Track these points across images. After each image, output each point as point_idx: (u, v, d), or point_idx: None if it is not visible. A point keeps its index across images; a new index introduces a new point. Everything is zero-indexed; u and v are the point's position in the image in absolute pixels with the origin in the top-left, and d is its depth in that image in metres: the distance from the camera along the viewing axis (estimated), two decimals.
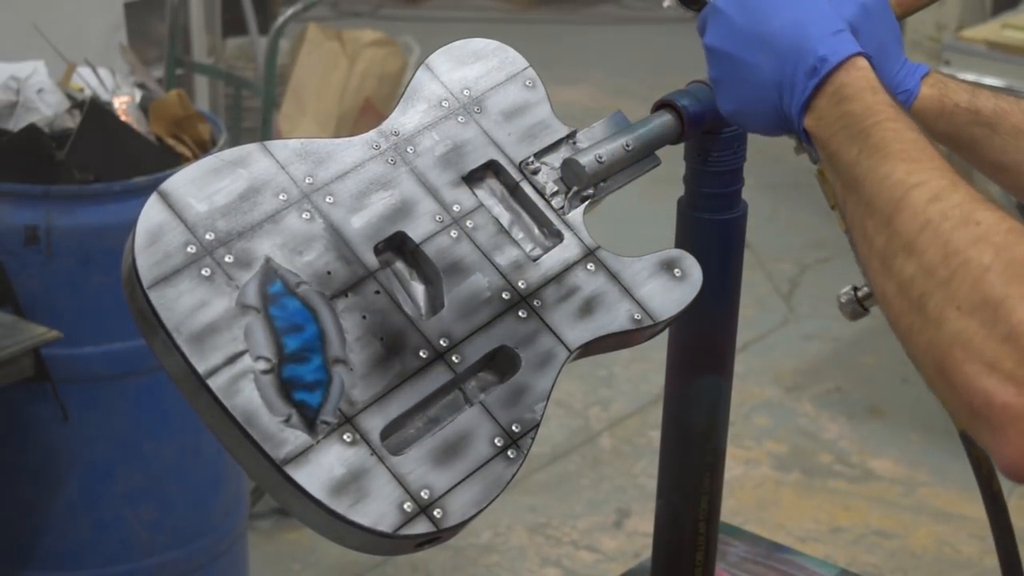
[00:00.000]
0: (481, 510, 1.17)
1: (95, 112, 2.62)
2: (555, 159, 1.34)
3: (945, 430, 3.73)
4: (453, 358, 1.21)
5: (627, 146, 1.34)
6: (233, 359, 1.15)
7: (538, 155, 1.34)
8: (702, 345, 1.48)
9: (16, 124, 2.67)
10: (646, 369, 4.05)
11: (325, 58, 4.58)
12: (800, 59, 1.18)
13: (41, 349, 2.42)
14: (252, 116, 4.08)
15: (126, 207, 2.50)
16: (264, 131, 3.62)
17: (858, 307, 1.31)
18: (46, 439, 2.62)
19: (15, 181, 2.53)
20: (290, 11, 3.70)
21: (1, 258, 2.51)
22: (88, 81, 2.89)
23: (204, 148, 2.79)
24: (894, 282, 1.05)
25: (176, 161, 2.71)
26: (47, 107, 2.70)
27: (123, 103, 2.81)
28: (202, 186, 1.21)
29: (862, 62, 1.18)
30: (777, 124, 1.23)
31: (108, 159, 2.60)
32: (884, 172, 1.09)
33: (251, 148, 1.25)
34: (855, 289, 1.30)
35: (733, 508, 3.51)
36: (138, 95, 2.89)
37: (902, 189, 1.06)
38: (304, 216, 1.23)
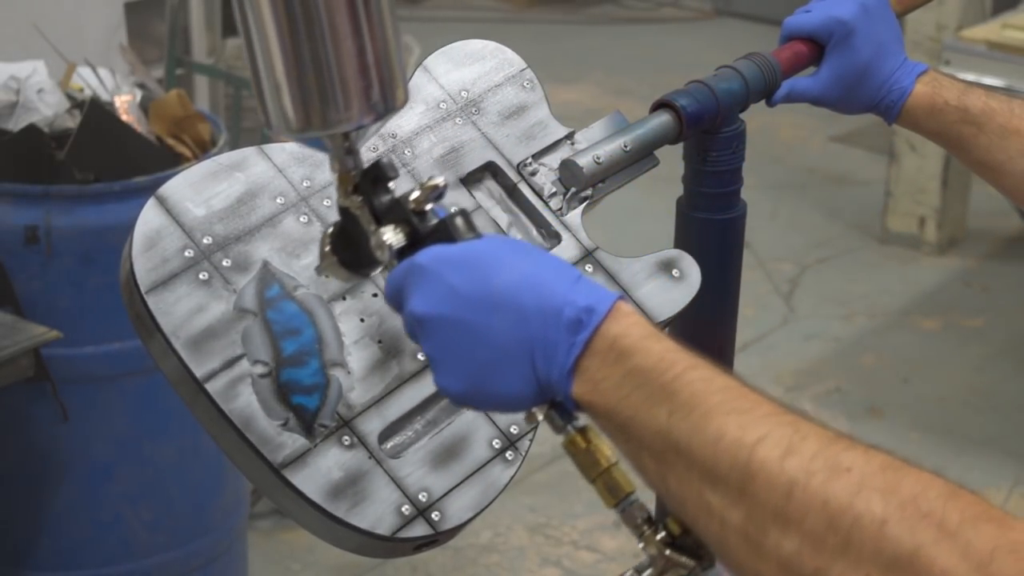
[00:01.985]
0: (479, 512, 1.18)
1: (95, 112, 2.62)
2: (553, 160, 1.34)
3: (945, 430, 3.73)
4: None
5: (625, 147, 1.34)
6: (231, 363, 1.15)
7: (536, 156, 1.34)
8: (702, 345, 1.47)
9: (16, 124, 2.66)
10: None
11: None
12: (550, 314, 0.97)
13: (41, 349, 2.41)
14: (252, 116, 4.08)
15: (126, 207, 2.50)
16: (264, 131, 3.62)
17: None
18: (46, 439, 2.61)
19: (15, 181, 2.53)
20: None
21: (1, 258, 2.50)
22: (88, 81, 2.89)
23: (204, 148, 2.79)
24: (772, 562, 0.87)
25: (176, 161, 2.71)
26: (47, 107, 2.70)
27: (123, 103, 2.81)
28: (200, 190, 1.21)
29: (627, 307, 0.98)
30: (529, 397, 0.99)
31: (108, 159, 2.60)
32: (713, 433, 0.90)
33: (248, 152, 1.25)
34: (637, 572, 1.04)
35: None
36: (138, 95, 2.89)
37: (744, 450, 0.89)
38: (302, 219, 1.23)
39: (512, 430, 1.20)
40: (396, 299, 1.04)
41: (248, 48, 1.00)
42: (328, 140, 1.03)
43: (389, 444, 1.18)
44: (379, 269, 1.07)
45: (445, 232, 1.03)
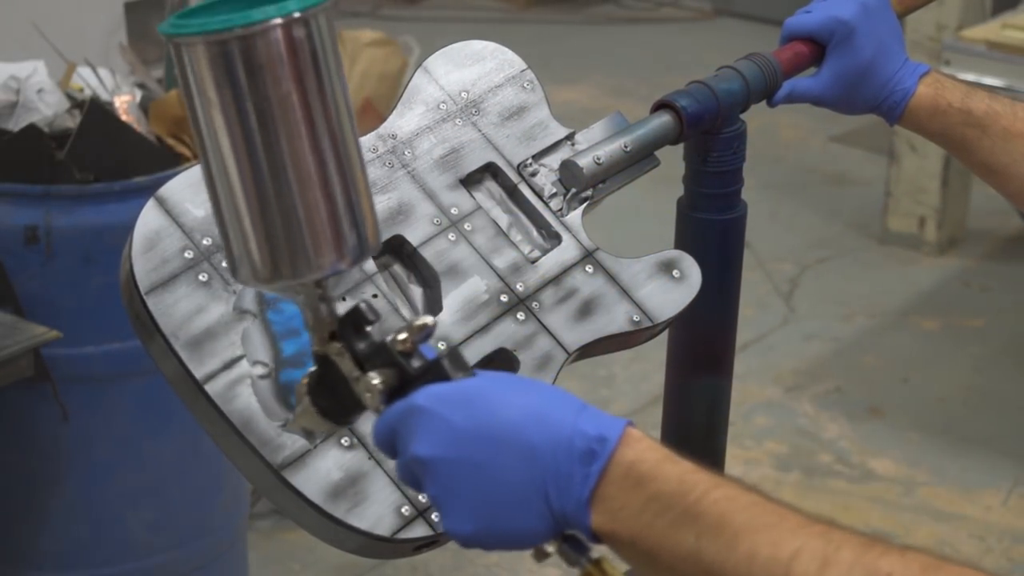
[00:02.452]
0: None
1: (95, 112, 2.62)
2: (553, 161, 1.34)
3: (945, 430, 3.73)
4: None
5: (626, 147, 1.34)
6: (230, 364, 1.15)
7: (536, 157, 1.34)
8: (702, 345, 1.48)
9: (16, 124, 2.66)
10: (646, 369, 4.05)
11: None
12: (560, 446, 0.95)
13: (41, 349, 2.41)
14: None
15: (126, 207, 2.50)
16: None
17: None
18: (46, 439, 2.61)
19: (15, 181, 2.53)
20: None
21: (1, 258, 2.50)
22: (88, 81, 2.89)
23: None
24: None
25: (176, 161, 2.71)
26: (47, 107, 2.70)
27: (123, 103, 2.81)
28: (199, 191, 1.21)
29: (637, 432, 0.96)
30: (543, 532, 0.97)
31: (108, 159, 2.60)
32: (745, 553, 0.89)
33: None
34: None
35: None
36: (138, 95, 2.89)
37: (780, 567, 0.88)
38: None
39: None
40: (390, 444, 1.00)
41: (212, 196, 0.96)
42: (299, 289, 0.98)
43: None
44: (365, 409, 1.02)
45: (439, 371, 0.99)
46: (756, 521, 0.90)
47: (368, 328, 1.00)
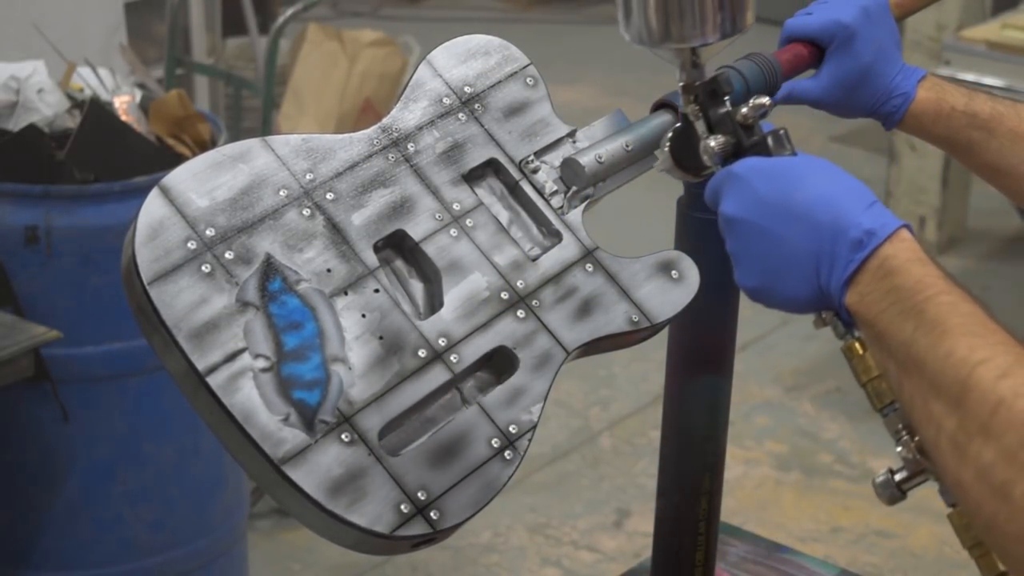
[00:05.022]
0: (477, 511, 1.17)
1: (95, 112, 2.62)
2: (555, 158, 1.34)
3: None
4: (451, 358, 1.21)
5: (627, 146, 1.34)
6: (232, 357, 1.15)
7: (538, 154, 1.34)
8: (702, 345, 1.47)
9: (16, 124, 2.67)
10: (646, 369, 4.05)
11: (325, 58, 4.58)
12: (840, 232, 1.11)
13: (41, 349, 2.41)
14: (252, 116, 4.08)
15: (126, 207, 2.50)
16: (264, 131, 3.62)
17: (896, 491, 1.19)
18: (46, 439, 2.62)
19: (15, 181, 2.53)
20: (290, 11, 3.70)
21: (1, 258, 2.51)
22: (88, 81, 2.89)
23: (204, 148, 2.79)
24: (971, 469, 0.97)
25: (176, 161, 2.71)
26: (47, 107, 2.70)
27: (123, 103, 2.81)
28: (203, 181, 1.21)
29: (906, 234, 1.11)
30: (810, 300, 1.14)
31: (108, 159, 2.60)
32: (945, 350, 1.01)
33: (252, 143, 1.25)
34: (892, 472, 1.18)
35: (733, 508, 3.50)
36: (138, 95, 2.89)
37: (967, 367, 0.99)
38: (305, 213, 1.23)
39: (511, 429, 1.20)
40: (713, 199, 1.19)
41: None
42: (679, 53, 1.22)
43: (389, 441, 1.18)
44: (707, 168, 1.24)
45: (764, 147, 1.19)
46: (964, 327, 1.02)
47: (725, 98, 1.22)
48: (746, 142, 1.20)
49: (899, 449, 1.15)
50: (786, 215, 1.12)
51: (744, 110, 1.21)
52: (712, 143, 1.21)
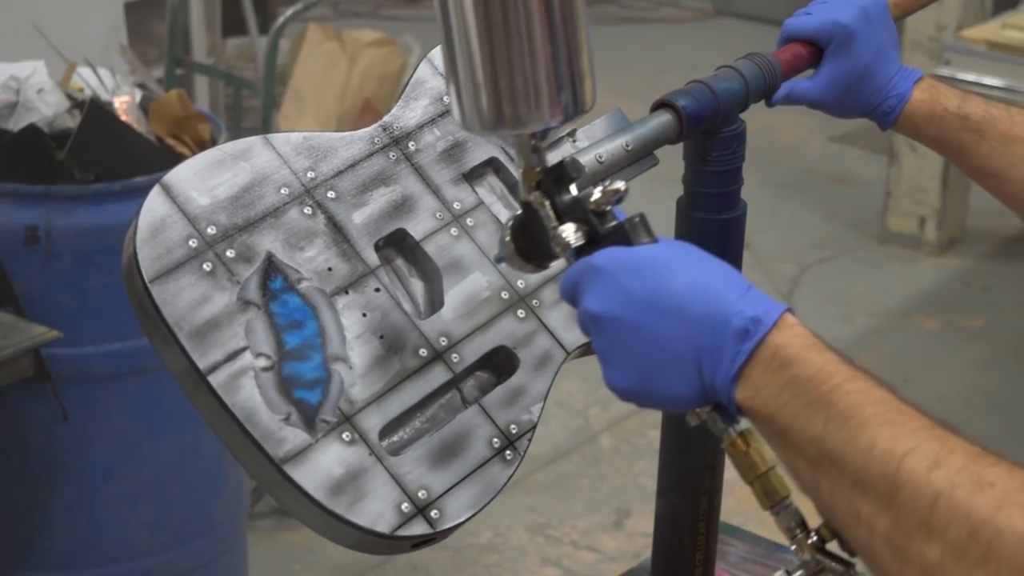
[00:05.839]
0: (477, 511, 1.17)
1: (95, 112, 2.62)
2: (555, 157, 1.34)
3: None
4: (452, 357, 1.21)
5: (627, 146, 1.34)
6: (234, 356, 1.14)
7: None
8: None
9: (16, 124, 2.66)
10: None
11: (325, 58, 4.58)
12: (720, 322, 1.01)
13: (41, 349, 2.41)
14: (252, 116, 4.08)
15: (126, 207, 2.50)
16: (264, 131, 3.62)
17: None
18: (46, 439, 2.62)
19: (15, 181, 2.53)
20: (290, 11, 3.70)
21: (1, 258, 2.51)
22: (88, 81, 2.89)
23: (204, 148, 2.78)
24: (915, 570, 0.91)
25: (176, 161, 2.70)
26: (47, 107, 2.70)
27: (123, 103, 2.81)
28: (205, 179, 1.21)
29: (792, 319, 1.02)
30: (693, 398, 1.04)
31: (108, 159, 2.60)
32: (865, 443, 0.94)
33: (253, 141, 1.24)
34: (788, 574, 1.07)
35: (733, 508, 3.50)
36: (138, 95, 2.89)
37: (893, 461, 0.92)
38: (306, 211, 1.23)
39: (511, 429, 1.20)
40: (571, 295, 1.09)
41: (448, 50, 1.09)
42: (516, 138, 1.09)
43: (389, 441, 1.18)
44: (558, 260, 1.12)
45: (623, 235, 1.07)
46: (881, 416, 0.95)
47: (571, 184, 1.10)
48: (601, 230, 1.08)
49: (793, 548, 1.06)
50: (658, 309, 1.03)
51: (597, 196, 1.08)
52: (567, 234, 1.08)
